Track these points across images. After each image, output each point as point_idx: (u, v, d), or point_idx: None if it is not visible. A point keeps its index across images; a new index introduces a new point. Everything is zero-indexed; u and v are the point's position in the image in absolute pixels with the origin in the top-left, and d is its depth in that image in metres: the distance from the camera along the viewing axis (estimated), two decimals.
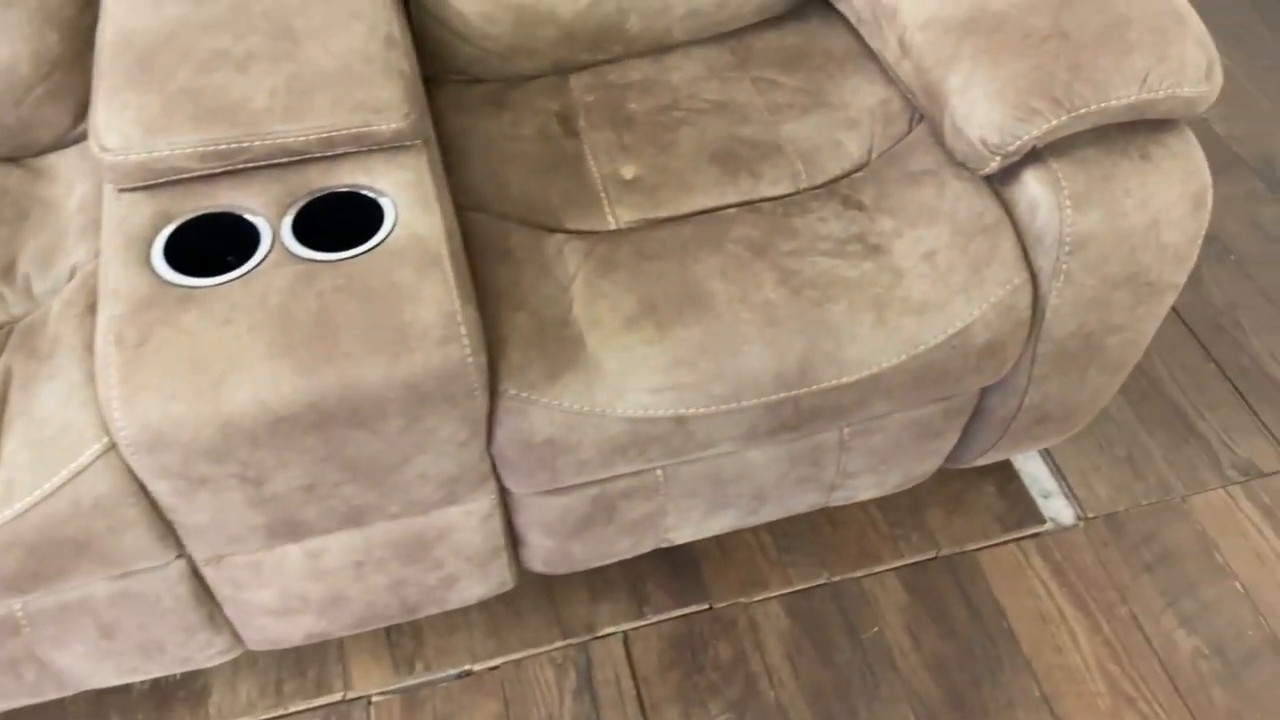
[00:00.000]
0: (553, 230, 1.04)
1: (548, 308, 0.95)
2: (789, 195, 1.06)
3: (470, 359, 0.85)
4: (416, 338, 0.84)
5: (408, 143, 0.95)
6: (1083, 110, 0.93)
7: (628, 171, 1.09)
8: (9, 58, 1.04)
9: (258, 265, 0.87)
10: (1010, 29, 0.96)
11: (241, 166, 0.92)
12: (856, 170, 1.08)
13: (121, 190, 0.92)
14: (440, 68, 1.20)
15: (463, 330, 0.85)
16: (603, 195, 1.07)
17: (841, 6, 1.20)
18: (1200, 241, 1.01)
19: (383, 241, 0.88)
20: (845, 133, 1.11)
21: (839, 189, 1.06)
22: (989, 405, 1.13)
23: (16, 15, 1.03)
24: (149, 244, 0.88)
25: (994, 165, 0.97)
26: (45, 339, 0.92)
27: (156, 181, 0.91)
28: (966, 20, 0.99)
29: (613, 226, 1.05)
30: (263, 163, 0.92)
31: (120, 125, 0.90)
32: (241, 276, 0.86)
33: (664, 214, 1.05)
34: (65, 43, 1.06)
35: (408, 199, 0.91)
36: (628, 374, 0.93)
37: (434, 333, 0.84)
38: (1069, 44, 0.94)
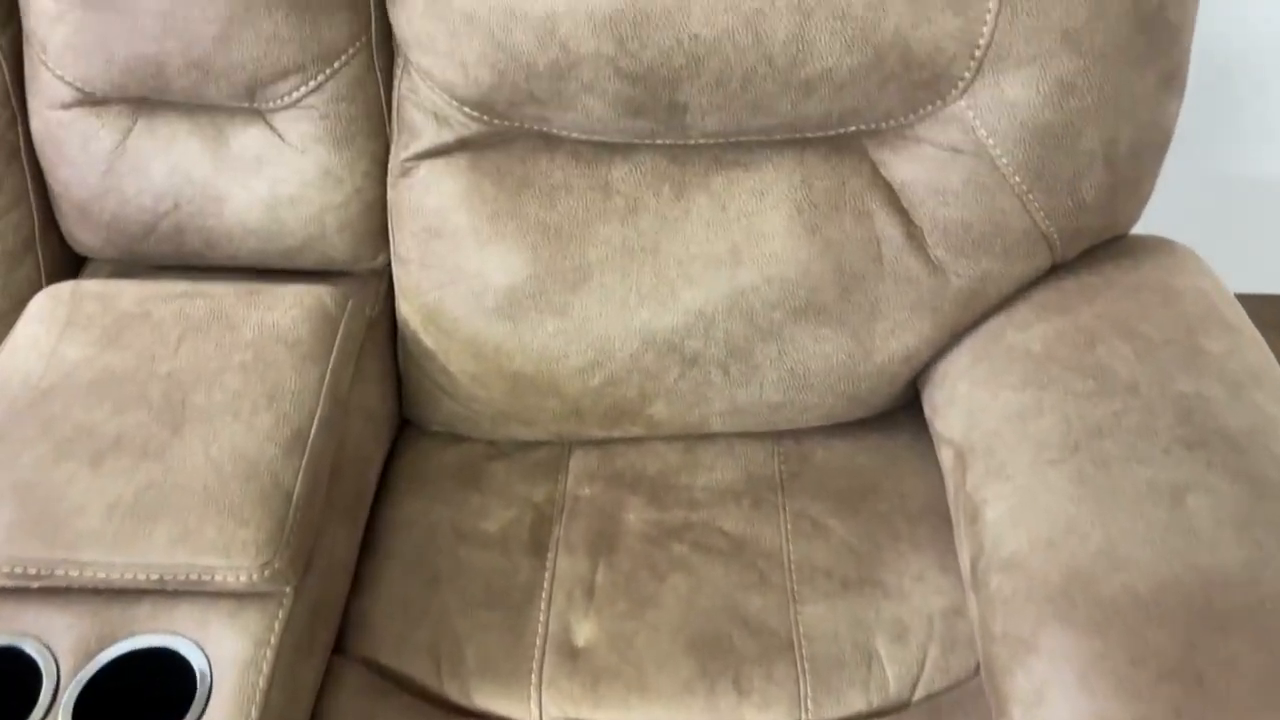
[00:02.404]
0: (450, 711, 0.79)
1: None
2: None
3: None
4: None
5: (267, 590, 0.74)
6: None
7: (581, 633, 0.83)
8: None
9: None
10: (1117, 636, 0.64)
11: (61, 587, 0.74)
12: (880, 715, 0.78)
13: None
14: (421, 416, 0.99)
15: None
16: (535, 667, 0.81)
17: (936, 439, 0.90)
18: None
19: None
20: (886, 644, 0.81)
21: None
22: None
23: None
24: None
25: None
26: None
27: None
28: (1061, 589, 0.67)
29: (533, 718, 0.79)
30: (88, 587, 0.74)
31: None
32: None
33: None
34: None
35: (228, 688, 0.70)
36: None
37: None
38: (1201, 697, 0.61)
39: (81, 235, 0.95)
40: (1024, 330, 0.84)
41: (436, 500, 0.93)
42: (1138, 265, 0.86)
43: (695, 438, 0.98)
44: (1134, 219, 0.90)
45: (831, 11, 0.78)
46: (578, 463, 0.96)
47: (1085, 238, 0.87)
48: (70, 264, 0.99)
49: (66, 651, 0.72)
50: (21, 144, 0.92)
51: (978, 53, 0.79)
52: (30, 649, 0.72)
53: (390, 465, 0.97)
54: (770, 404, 0.93)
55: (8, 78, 0.90)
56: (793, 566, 0.87)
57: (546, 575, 0.87)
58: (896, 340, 0.90)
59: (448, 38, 0.83)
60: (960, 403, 0.85)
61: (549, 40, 0.81)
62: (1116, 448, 0.73)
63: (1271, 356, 0.80)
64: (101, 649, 0.72)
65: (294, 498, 0.76)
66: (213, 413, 0.79)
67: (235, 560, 0.72)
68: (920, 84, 0.81)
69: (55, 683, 0.70)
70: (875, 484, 0.92)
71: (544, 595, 0.85)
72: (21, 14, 0.87)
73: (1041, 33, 0.78)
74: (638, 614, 0.84)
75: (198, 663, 0.71)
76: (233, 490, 0.74)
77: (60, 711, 0.69)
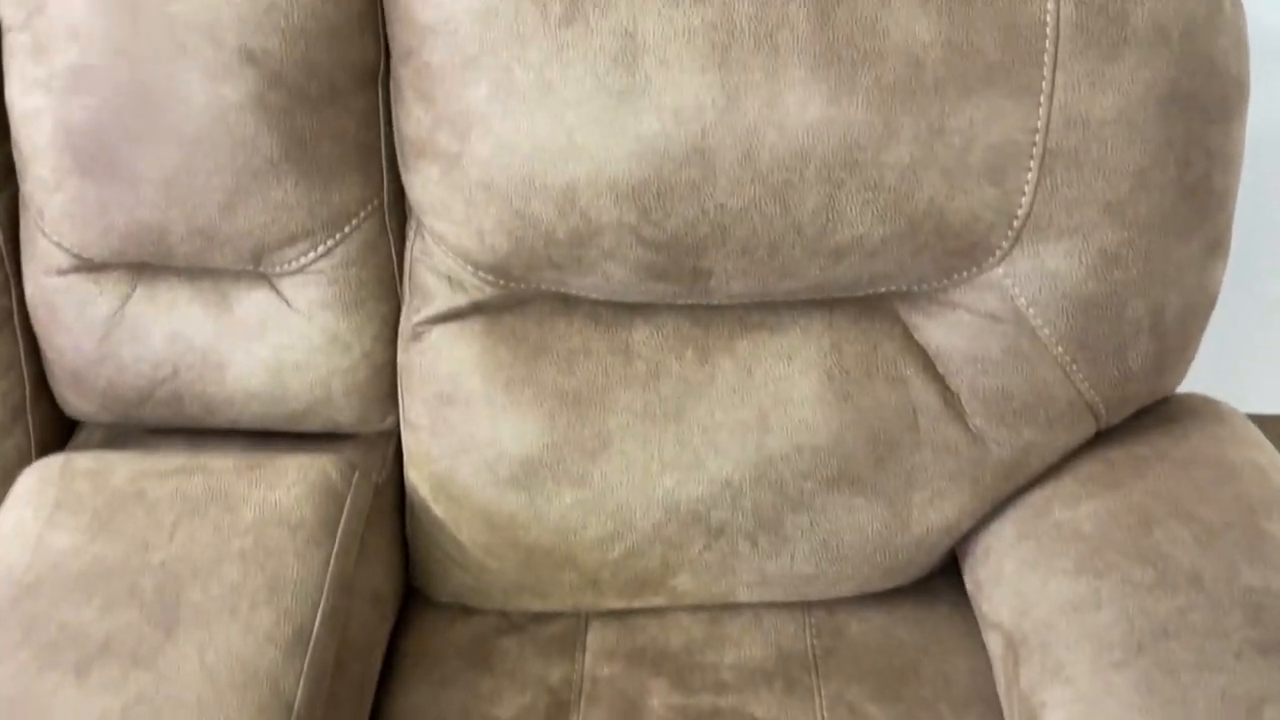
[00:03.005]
0: None
1: None
2: None
3: None
4: None
5: None
6: None
7: None
8: None
9: None
10: None
11: None
12: None
13: None
14: (429, 586, 0.93)
15: None
16: None
17: (981, 620, 0.85)
18: None
19: None
20: None
21: None
22: None
23: None
24: None
25: None
26: None
27: None
28: None
29: None
30: None
31: None
32: None
33: None
34: None
35: None
36: None
37: None
38: None
39: (75, 401, 0.91)
40: (1072, 507, 0.80)
41: (445, 685, 0.87)
42: (1187, 435, 0.82)
43: (720, 607, 0.92)
44: (1180, 381, 0.86)
45: (863, 182, 0.75)
46: (596, 637, 0.91)
47: (1131, 404, 0.83)
48: (62, 429, 0.94)
49: None
50: (15, 309, 0.88)
51: (1016, 223, 0.76)
52: None
53: (395, 641, 0.91)
54: (801, 575, 0.88)
55: (2, 243, 0.87)
56: None
57: None
58: (935, 511, 0.85)
59: (464, 205, 0.80)
60: (1008, 584, 0.80)
61: (569, 209, 0.78)
62: (1184, 650, 0.68)
63: None
64: None
65: (295, 708, 0.70)
66: (209, 610, 0.73)
67: None
68: (955, 252, 0.78)
69: None
70: (916, 663, 0.87)
71: None
72: (19, 179, 0.85)
73: (1083, 204, 0.75)
74: None
75: None
76: (229, 702, 0.68)
77: None
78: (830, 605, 0.92)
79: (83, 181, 0.81)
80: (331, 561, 0.78)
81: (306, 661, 0.72)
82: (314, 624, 0.74)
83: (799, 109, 0.74)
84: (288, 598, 0.75)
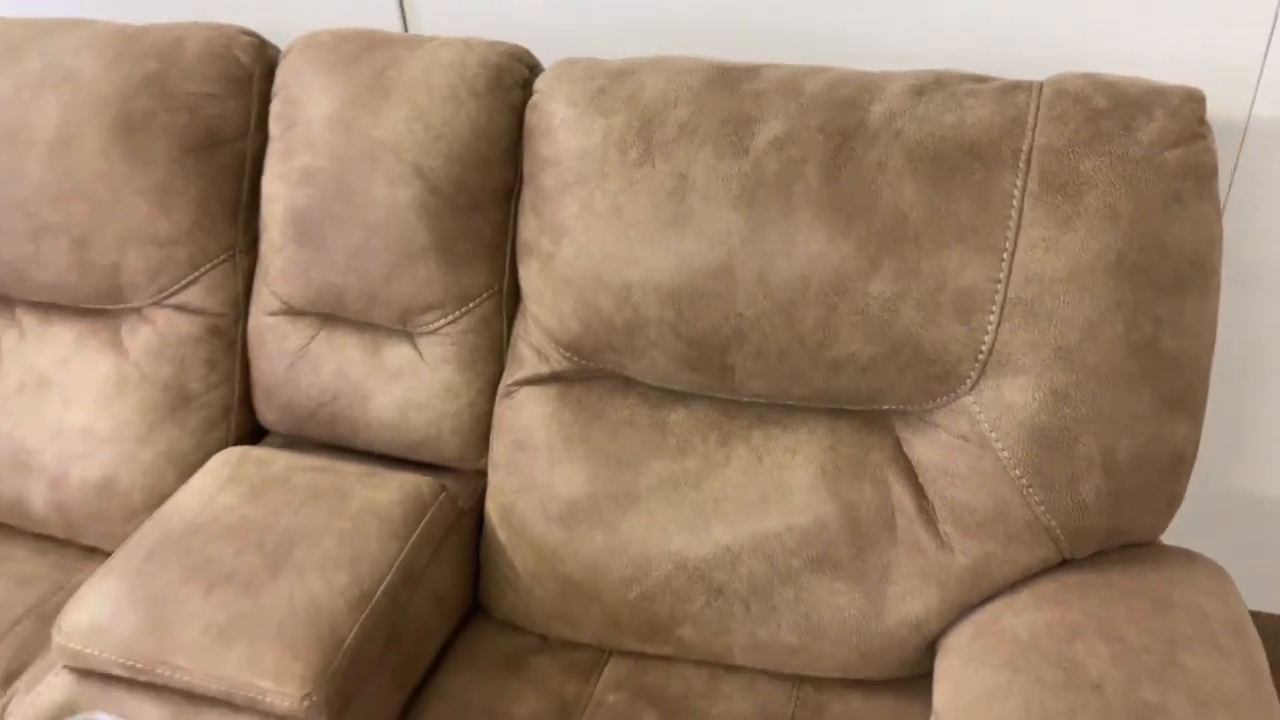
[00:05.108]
0: None
1: None
2: None
3: None
4: None
5: None
6: None
7: None
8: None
9: None
10: None
11: (157, 684, 0.92)
12: None
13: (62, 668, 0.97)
14: (490, 604, 1.13)
15: None
16: None
17: (933, 708, 0.93)
18: None
19: None
20: None
21: None
22: None
23: None
24: None
25: None
26: None
27: (82, 667, 0.95)
28: None
29: None
30: (175, 688, 0.92)
31: (81, 614, 0.94)
32: None
33: None
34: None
35: None
36: None
37: None
38: None
39: (265, 412, 1.20)
40: (1018, 616, 0.88)
41: (479, 680, 1.05)
42: (1143, 573, 0.88)
43: (723, 668, 1.05)
44: (1154, 528, 0.92)
45: (852, 307, 0.91)
46: (612, 670, 1.06)
47: (1094, 538, 0.91)
48: (253, 433, 1.24)
49: None
50: (239, 338, 1.20)
51: (981, 357, 0.89)
52: None
53: (452, 643, 1.11)
54: (787, 646, 1.00)
55: (240, 289, 1.19)
56: None
57: None
58: (906, 605, 0.95)
59: (551, 294, 1.03)
60: (951, 675, 0.89)
61: (624, 304, 0.99)
62: None
63: (1260, 686, 0.79)
64: None
65: (344, 646, 0.91)
66: (306, 566, 0.97)
67: (284, 687, 0.87)
68: (934, 377, 0.92)
69: None
70: None
71: None
72: (259, 244, 1.17)
73: (1038, 347, 0.87)
74: None
75: None
76: (298, 631, 0.91)
77: None
78: (818, 683, 1.02)
79: (297, 248, 1.12)
80: (404, 551, 1.00)
81: (364, 615, 0.94)
82: (376, 591, 0.96)
83: (804, 243, 0.92)
84: (362, 568, 0.97)
